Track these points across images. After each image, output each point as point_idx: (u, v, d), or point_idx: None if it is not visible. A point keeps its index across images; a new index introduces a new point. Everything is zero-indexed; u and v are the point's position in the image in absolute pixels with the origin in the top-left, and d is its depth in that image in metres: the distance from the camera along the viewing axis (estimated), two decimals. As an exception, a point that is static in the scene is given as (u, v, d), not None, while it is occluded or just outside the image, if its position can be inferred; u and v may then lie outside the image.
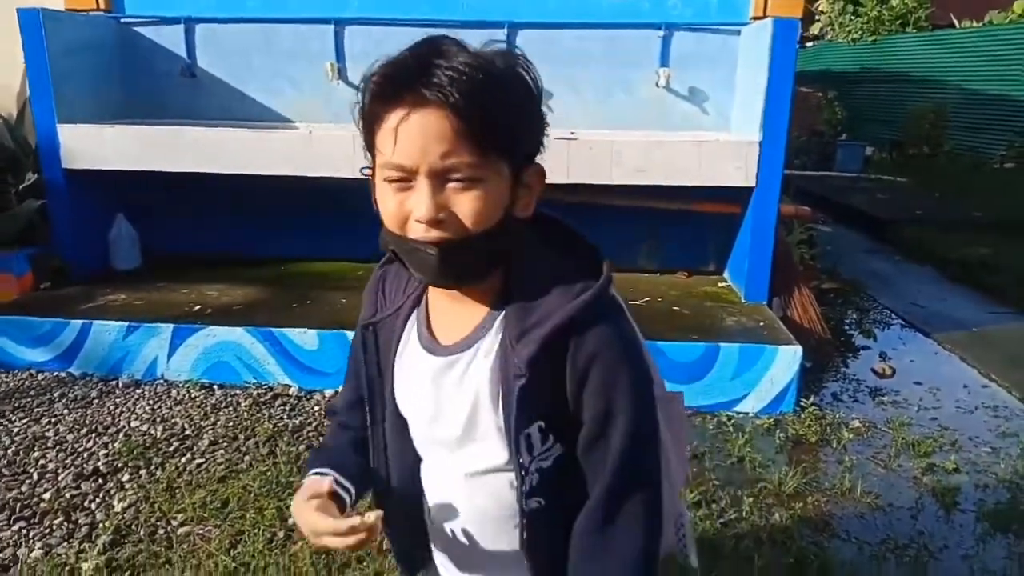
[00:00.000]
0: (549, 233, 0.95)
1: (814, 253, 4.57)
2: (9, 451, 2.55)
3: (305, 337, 3.05)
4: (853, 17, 12.96)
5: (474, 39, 3.00)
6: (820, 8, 13.71)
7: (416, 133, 0.77)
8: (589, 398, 0.87)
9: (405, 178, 0.79)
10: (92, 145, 3.51)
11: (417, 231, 0.81)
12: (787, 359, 2.91)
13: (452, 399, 0.92)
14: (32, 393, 3.00)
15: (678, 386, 2.92)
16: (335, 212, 3.83)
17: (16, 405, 2.88)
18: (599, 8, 3.65)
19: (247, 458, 2.54)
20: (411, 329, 0.97)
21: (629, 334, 0.90)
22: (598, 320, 0.86)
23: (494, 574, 1.01)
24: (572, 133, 3.56)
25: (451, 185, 0.79)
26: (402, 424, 1.01)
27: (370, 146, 0.83)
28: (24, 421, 2.76)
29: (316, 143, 3.38)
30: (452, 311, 0.93)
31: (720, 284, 3.75)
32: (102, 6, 3.82)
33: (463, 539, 0.99)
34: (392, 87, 0.78)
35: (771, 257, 3.35)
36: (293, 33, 3.77)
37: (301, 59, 3.81)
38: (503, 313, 0.89)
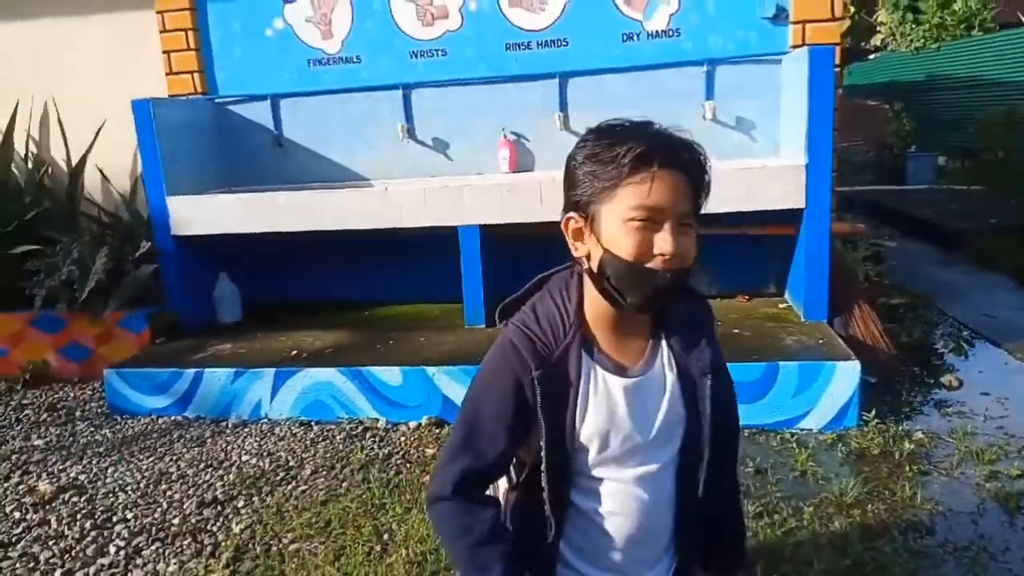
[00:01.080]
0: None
1: (880, 269, 4.60)
2: (141, 484, 2.91)
3: (390, 374, 3.35)
4: (914, 26, 12.75)
5: (533, 91, 3.36)
6: (880, 19, 13.55)
7: (671, 188, 1.05)
8: (726, 399, 1.26)
9: (652, 219, 1.05)
10: (196, 213, 3.95)
11: (655, 263, 1.06)
12: (846, 375, 3.00)
13: (653, 408, 1.17)
14: (155, 435, 3.39)
15: (742, 406, 3.06)
16: (411, 258, 4.18)
17: (142, 446, 3.27)
18: (642, 52, 3.89)
19: (344, 484, 2.83)
20: (591, 365, 1.15)
21: None
22: (720, 347, 1.27)
23: (644, 568, 1.24)
24: (627, 170, 3.79)
25: (682, 229, 1.06)
26: (571, 455, 1.16)
27: (598, 197, 1.07)
28: (150, 459, 3.14)
29: (391, 197, 3.72)
30: (620, 341, 1.18)
31: (780, 305, 3.86)
32: (199, 89, 4.32)
33: (632, 540, 1.20)
34: (658, 152, 1.05)
35: (827, 275, 3.45)
36: (366, 100, 4.16)
37: (374, 122, 4.19)
38: (665, 336, 1.20)
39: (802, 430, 3.04)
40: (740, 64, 3.84)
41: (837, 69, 3.67)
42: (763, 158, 3.83)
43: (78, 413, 3.68)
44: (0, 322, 4.17)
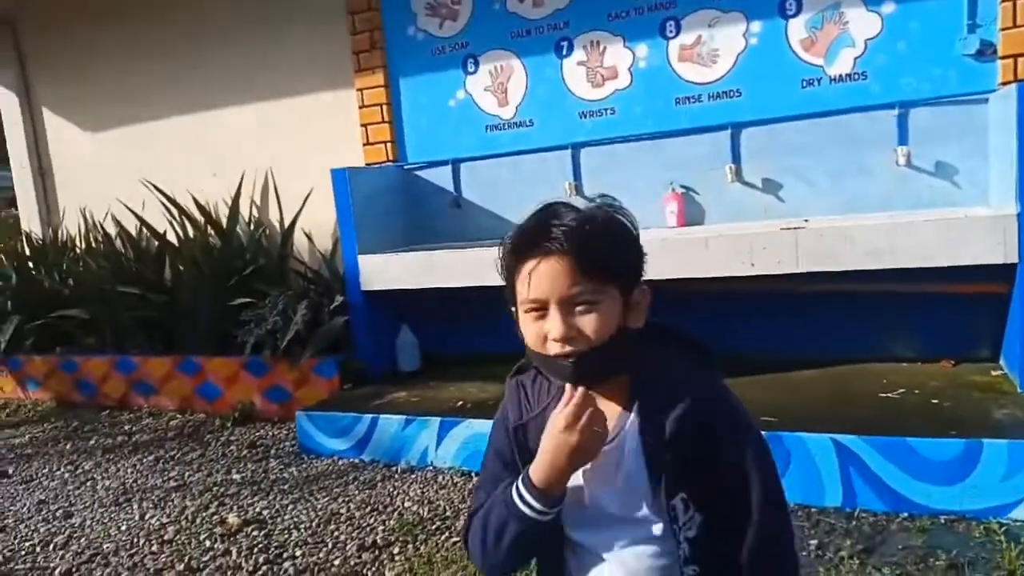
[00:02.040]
0: (665, 336, 1.15)
1: None
2: (313, 523, 3.13)
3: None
4: None
5: (702, 143, 3.31)
6: None
7: (545, 275, 1.06)
8: (729, 462, 1.08)
9: (540, 308, 1.07)
10: (382, 270, 4.27)
11: (554, 348, 1.07)
12: (1070, 457, 2.53)
13: (609, 480, 1.12)
14: (333, 476, 3.63)
15: (934, 488, 2.69)
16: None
17: (321, 486, 3.52)
18: (823, 98, 3.66)
19: (493, 540, 2.84)
20: None
21: (746, 409, 1.14)
22: (723, 398, 1.13)
23: None
24: (806, 221, 3.55)
25: (577, 309, 1.06)
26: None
27: (511, 288, 1.12)
28: (326, 499, 3.37)
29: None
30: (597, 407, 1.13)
31: (994, 373, 3.36)
32: (391, 157, 4.71)
33: None
34: (523, 245, 1.08)
35: (1049, 340, 2.97)
36: (537, 160, 4.30)
37: (544, 181, 4.30)
38: (636, 404, 1.12)
39: (1015, 521, 2.59)
40: (938, 105, 3.48)
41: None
42: (969, 207, 3.41)
43: (273, 451, 4.06)
44: (219, 365, 4.75)
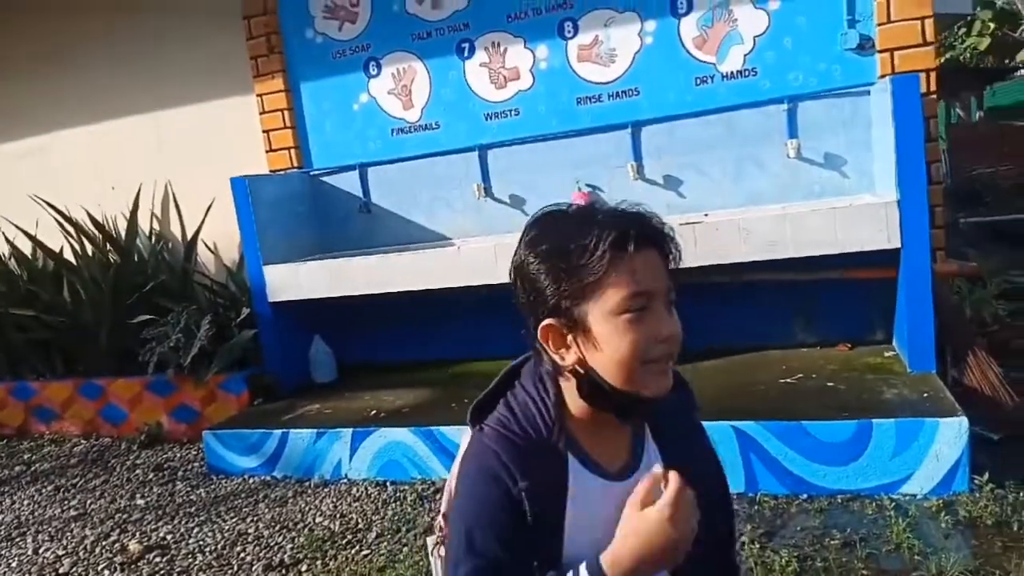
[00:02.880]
0: None
1: (1014, 308, 4.10)
2: (219, 546, 3.02)
3: (459, 434, 3.31)
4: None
5: (606, 142, 3.32)
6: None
7: (652, 265, 0.97)
8: (717, 467, 1.18)
9: (645, 306, 0.95)
10: (288, 280, 4.16)
11: (659, 351, 0.97)
12: (951, 432, 2.66)
13: None
14: (243, 495, 3.52)
15: (830, 469, 2.79)
16: (488, 315, 4.17)
17: (229, 506, 3.41)
18: (715, 95, 3.75)
19: (405, 549, 2.80)
20: (576, 470, 1.03)
21: None
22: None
23: None
24: (705, 215, 3.63)
25: (671, 308, 0.99)
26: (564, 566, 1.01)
27: (581, 295, 0.95)
28: (233, 520, 3.26)
29: (464, 256, 3.75)
30: (602, 439, 1.05)
31: (887, 354, 3.50)
32: (295, 163, 4.60)
33: None
34: (627, 236, 0.95)
35: (931, 321, 3.11)
36: (444, 163, 4.26)
37: (452, 184, 4.27)
38: (646, 428, 1.10)
39: (904, 496, 2.70)
40: (824, 99, 3.61)
41: (932, 96, 3.38)
42: (857, 195, 3.55)
43: (180, 473, 3.90)
44: (122, 386, 4.55)
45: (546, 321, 0.98)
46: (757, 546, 2.50)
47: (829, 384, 3.21)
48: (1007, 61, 12.83)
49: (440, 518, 1.19)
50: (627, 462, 1.06)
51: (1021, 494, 2.59)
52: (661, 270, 0.97)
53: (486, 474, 1.01)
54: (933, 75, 3.43)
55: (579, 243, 0.95)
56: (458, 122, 4.26)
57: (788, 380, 3.33)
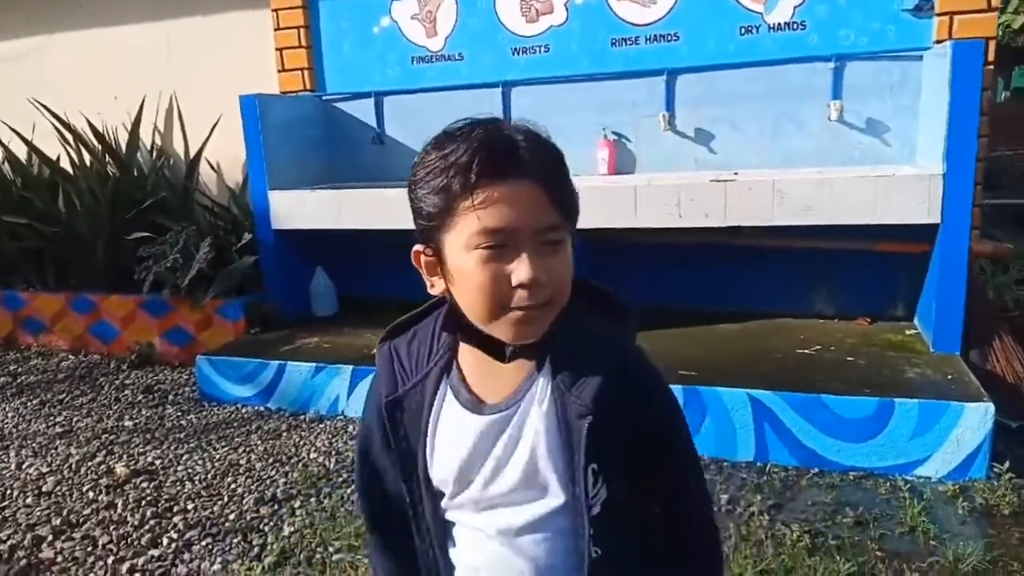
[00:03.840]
0: (583, 291, 0.99)
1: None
2: (209, 475, 2.93)
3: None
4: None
5: (638, 88, 3.13)
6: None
7: (514, 202, 0.84)
8: (649, 433, 0.96)
9: (497, 245, 0.85)
10: (295, 208, 4.00)
11: (519, 297, 0.86)
12: (976, 417, 2.56)
13: (508, 452, 0.95)
14: (235, 424, 3.43)
15: (845, 444, 2.70)
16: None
17: (221, 435, 3.31)
18: (760, 46, 3.55)
19: (402, 493, 2.71)
20: (445, 394, 0.99)
21: (661, 374, 1.02)
22: (644, 365, 0.99)
23: None
24: (736, 174, 3.47)
25: (544, 249, 0.87)
26: (435, 496, 1.01)
27: (439, 223, 0.87)
28: (225, 449, 3.17)
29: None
30: (492, 371, 0.97)
31: (908, 332, 3.39)
32: (308, 86, 4.39)
33: None
34: (484, 167, 0.83)
35: (963, 301, 2.99)
36: (466, 97, 4.05)
37: (472, 120, 4.08)
38: (546, 365, 0.95)
39: (919, 478, 2.62)
40: (874, 60, 3.42)
41: (990, 66, 3.20)
42: (896, 165, 3.39)
43: (171, 397, 3.80)
44: (115, 303, 4.42)
45: (417, 246, 0.94)
46: (766, 518, 2.42)
47: (848, 358, 3.11)
48: (1040, 42, 12.46)
49: None
50: (508, 396, 0.96)
51: (1042, 486, 2.51)
52: (534, 205, 0.85)
53: (372, 391, 1.05)
54: (992, 44, 3.23)
55: (442, 164, 0.86)
56: (483, 55, 4.05)
57: (805, 351, 3.23)
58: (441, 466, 0.98)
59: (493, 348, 0.94)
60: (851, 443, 2.71)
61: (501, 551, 0.98)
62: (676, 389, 2.83)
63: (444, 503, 1.00)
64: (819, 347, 3.26)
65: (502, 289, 0.86)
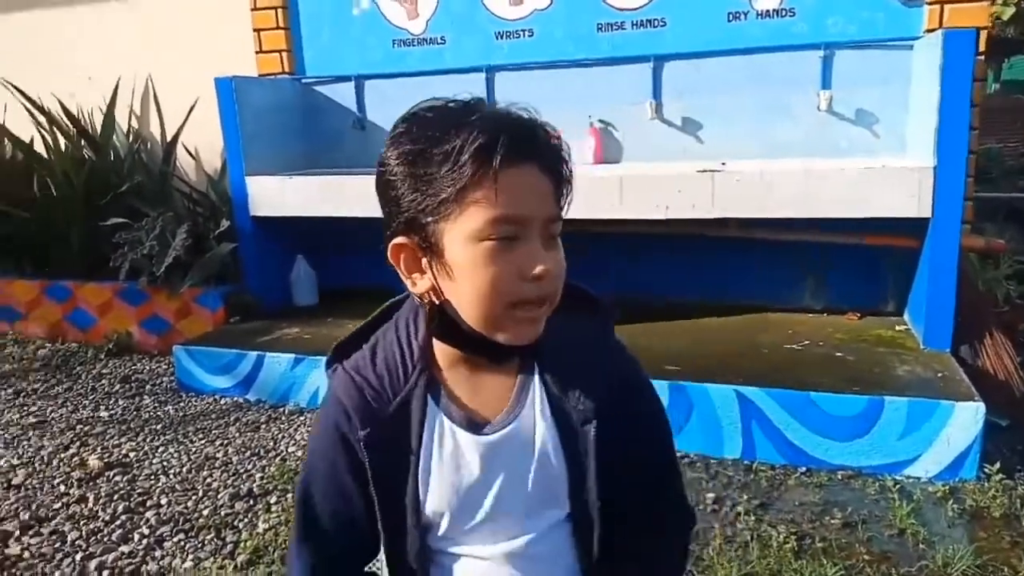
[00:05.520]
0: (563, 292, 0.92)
1: (1025, 290, 3.97)
2: (183, 469, 2.86)
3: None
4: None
5: (624, 75, 3.05)
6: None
7: (532, 190, 0.79)
8: (643, 424, 0.95)
9: (515, 235, 0.79)
10: (273, 194, 3.90)
11: (532, 291, 0.80)
12: (966, 417, 2.52)
13: (518, 468, 0.89)
14: (213, 416, 3.35)
15: (833, 443, 2.66)
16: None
17: (198, 427, 3.24)
18: (748, 34, 3.48)
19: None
20: (435, 417, 0.89)
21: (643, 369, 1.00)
22: (630, 359, 0.97)
23: None
24: (723, 164, 3.40)
25: (549, 243, 0.82)
26: (422, 530, 0.92)
27: (436, 212, 0.79)
28: (202, 442, 3.09)
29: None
30: (478, 384, 0.90)
31: (898, 328, 3.35)
32: (287, 69, 4.27)
33: None
34: (499, 147, 0.78)
35: (954, 297, 2.95)
36: (448, 82, 3.95)
37: (456, 106, 3.98)
38: (536, 371, 0.90)
39: (908, 478, 2.58)
40: (863, 49, 3.35)
41: (980, 57, 3.14)
42: (886, 157, 3.33)
43: (148, 387, 3.72)
44: (91, 291, 4.31)
45: (398, 239, 0.84)
46: (752, 518, 2.38)
47: (837, 354, 3.06)
48: (1029, 33, 12.46)
49: None
50: (506, 409, 0.89)
51: (1032, 486, 2.48)
52: (545, 194, 0.81)
53: (328, 426, 0.90)
54: (984, 34, 3.18)
55: (442, 147, 0.78)
56: (466, 38, 3.95)
57: (794, 346, 3.18)
58: (438, 496, 0.88)
59: (492, 354, 0.87)
60: (840, 442, 2.67)
61: (509, 573, 0.91)
62: (661, 384, 2.79)
63: (441, 535, 0.91)
64: (808, 342, 3.22)
65: (512, 285, 0.80)
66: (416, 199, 0.80)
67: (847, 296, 3.59)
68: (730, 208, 3.12)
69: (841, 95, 3.40)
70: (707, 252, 3.66)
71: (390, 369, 0.89)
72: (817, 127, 3.47)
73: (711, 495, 2.52)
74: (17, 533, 2.44)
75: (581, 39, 3.74)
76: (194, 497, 2.66)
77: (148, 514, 2.54)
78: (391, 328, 0.93)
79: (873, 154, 3.39)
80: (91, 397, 3.63)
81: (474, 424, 0.88)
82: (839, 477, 2.60)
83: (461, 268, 0.80)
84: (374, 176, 0.87)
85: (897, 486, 2.52)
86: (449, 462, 0.88)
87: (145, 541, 2.37)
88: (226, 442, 3.09)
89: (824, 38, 3.38)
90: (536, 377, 0.90)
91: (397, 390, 0.88)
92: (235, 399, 3.52)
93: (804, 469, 2.66)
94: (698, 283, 3.74)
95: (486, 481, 0.88)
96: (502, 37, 3.87)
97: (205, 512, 2.54)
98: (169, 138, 4.60)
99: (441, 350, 0.89)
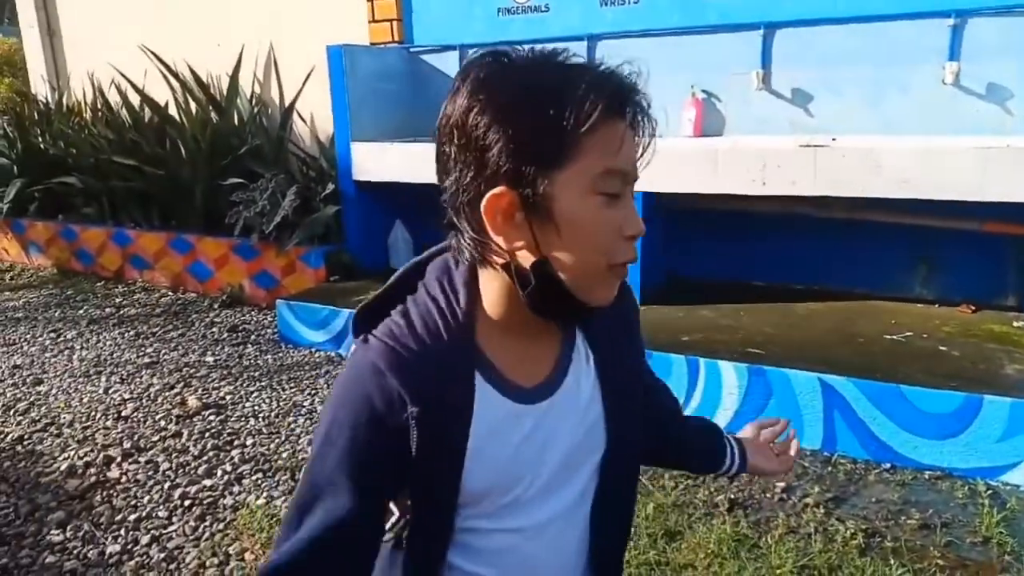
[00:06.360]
0: None
1: None
2: (272, 414, 3.05)
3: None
4: None
5: (731, 43, 3.01)
6: None
7: (634, 145, 0.76)
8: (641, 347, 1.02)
9: (619, 192, 0.75)
10: (375, 160, 4.03)
11: (627, 252, 0.78)
12: (1079, 424, 2.28)
13: (562, 436, 0.86)
14: (306, 368, 3.54)
15: (923, 441, 2.48)
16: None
17: (290, 376, 3.43)
18: (870, 1, 3.23)
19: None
20: (481, 389, 0.81)
21: None
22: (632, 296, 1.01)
23: None
24: (833, 139, 3.20)
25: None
26: (453, 509, 0.84)
27: (547, 160, 0.72)
28: (292, 390, 3.28)
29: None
30: (524, 351, 0.84)
31: (1016, 324, 3.06)
32: (397, 38, 4.38)
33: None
34: (624, 101, 0.74)
35: (1082, 294, 2.66)
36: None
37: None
38: (578, 333, 0.89)
39: (1004, 484, 2.37)
40: (999, 17, 3.04)
41: None
42: (1016, 136, 3.02)
43: (253, 337, 3.97)
44: (209, 245, 4.64)
45: (497, 189, 0.72)
46: (822, 510, 2.27)
47: (941, 348, 2.84)
48: None
49: None
50: (549, 377, 0.84)
51: None
52: (637, 156, 0.77)
53: (361, 401, 0.78)
54: None
55: (560, 94, 0.70)
56: (570, 6, 3.90)
57: (895, 337, 2.97)
58: (485, 471, 0.81)
59: (564, 318, 0.84)
60: (930, 439, 2.48)
61: (532, 546, 0.87)
62: (739, 367, 2.69)
63: (471, 511, 0.84)
64: (910, 333, 3.00)
65: (616, 243, 0.76)
66: (522, 147, 0.72)
67: (962, 287, 3.31)
68: (834, 187, 2.94)
69: (970, 67, 3.11)
70: (807, 234, 3.47)
71: (433, 336, 0.80)
72: (940, 102, 3.19)
73: (780, 484, 2.42)
74: (119, 459, 2.69)
75: (688, 6, 3.60)
76: (276, 440, 2.83)
77: (233, 452, 2.73)
78: (422, 293, 0.84)
79: (1004, 133, 3.08)
80: (200, 343, 3.92)
81: (523, 392, 0.83)
82: (925, 477, 2.43)
83: (574, 222, 0.74)
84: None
85: (990, 491, 2.32)
86: (497, 435, 0.81)
87: (227, 477, 2.56)
88: (314, 392, 3.26)
89: (955, 4, 3.09)
90: (580, 338, 0.88)
91: (443, 361, 0.80)
92: (328, 353, 3.70)
93: (888, 466, 2.50)
94: (795, 267, 3.56)
95: (534, 450, 0.83)
96: (607, 4, 3.79)
97: (284, 455, 2.71)
98: (287, 104, 4.84)
99: (486, 317, 0.82)
